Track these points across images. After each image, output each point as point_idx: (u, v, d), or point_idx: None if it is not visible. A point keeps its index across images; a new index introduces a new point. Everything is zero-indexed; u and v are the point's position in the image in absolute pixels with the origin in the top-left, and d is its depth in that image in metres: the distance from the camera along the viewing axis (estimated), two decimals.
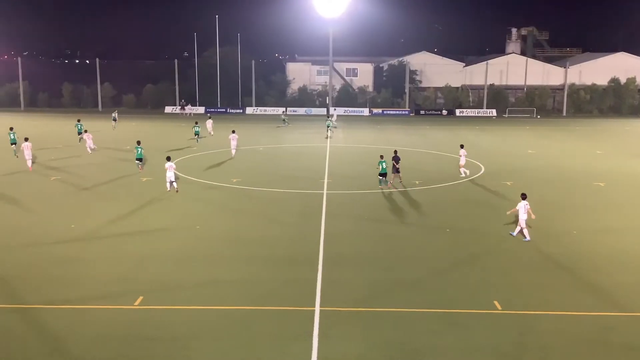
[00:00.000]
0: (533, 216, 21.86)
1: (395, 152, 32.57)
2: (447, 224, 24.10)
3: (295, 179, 33.45)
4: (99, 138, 47.74)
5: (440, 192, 30.77)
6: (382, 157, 31.24)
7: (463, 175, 34.52)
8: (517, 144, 52.53)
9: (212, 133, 55.12)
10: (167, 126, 65.39)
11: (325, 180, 33.03)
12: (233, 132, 42.92)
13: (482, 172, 36.78)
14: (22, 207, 26.36)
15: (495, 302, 15.83)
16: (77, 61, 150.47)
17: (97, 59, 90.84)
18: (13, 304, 15.55)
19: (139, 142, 35.50)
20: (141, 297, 15.92)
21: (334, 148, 47.69)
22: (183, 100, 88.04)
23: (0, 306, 15.41)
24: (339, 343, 13.56)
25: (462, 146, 35.68)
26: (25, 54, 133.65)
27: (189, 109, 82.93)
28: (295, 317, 14.91)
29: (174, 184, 29.33)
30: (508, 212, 23.43)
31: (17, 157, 38.82)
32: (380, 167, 30.65)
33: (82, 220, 23.83)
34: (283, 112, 79.42)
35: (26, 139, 36.30)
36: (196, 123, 52.00)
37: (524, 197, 21.97)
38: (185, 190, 30.17)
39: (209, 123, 56.76)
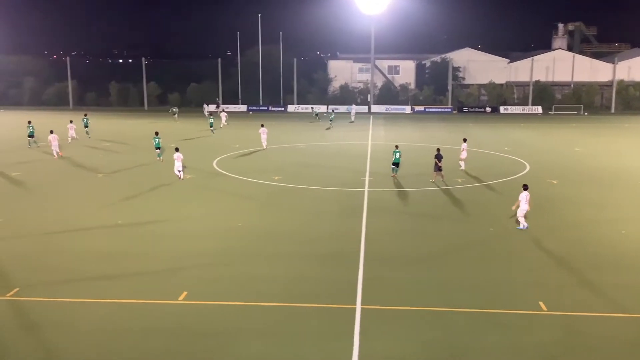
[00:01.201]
0: (529, 207, 22.43)
1: (438, 150, 32.32)
2: (490, 222, 23.76)
3: (336, 177, 33.48)
4: (143, 133, 48.63)
5: (482, 190, 30.36)
6: (397, 147, 33.59)
7: (462, 168, 35.19)
8: (564, 141, 51.36)
9: (226, 124, 62.38)
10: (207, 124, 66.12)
11: (367, 178, 32.97)
12: (262, 126, 45.52)
13: (527, 170, 36.12)
14: (66, 200, 27.18)
15: (541, 303, 15.54)
16: (120, 60, 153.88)
17: (143, 59, 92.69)
18: (57, 298, 16.00)
19: (156, 133, 39.20)
20: (185, 292, 16.20)
21: (375, 146, 47.53)
22: (218, 99, 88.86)
23: (45, 299, 15.92)
24: (380, 341, 13.54)
25: (464, 140, 36.53)
26: (73, 54, 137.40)
27: (205, 107, 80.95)
28: (336, 314, 14.94)
29: (181, 172, 31.94)
30: (513, 207, 23.10)
31: (34, 147, 43.34)
32: (394, 156, 32.79)
33: (125, 215, 24.41)
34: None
35: (51, 132, 40.32)
36: (210, 115, 59.66)
37: (525, 187, 22.52)
38: (227, 187, 30.63)
39: (224, 115, 63.74)
